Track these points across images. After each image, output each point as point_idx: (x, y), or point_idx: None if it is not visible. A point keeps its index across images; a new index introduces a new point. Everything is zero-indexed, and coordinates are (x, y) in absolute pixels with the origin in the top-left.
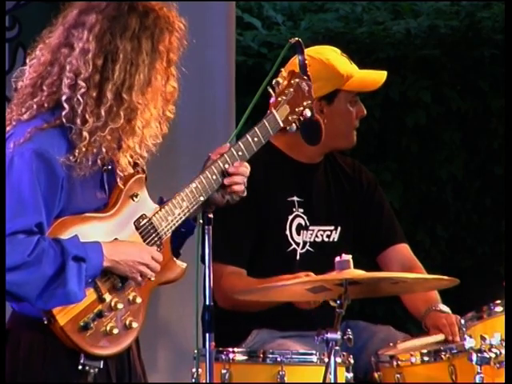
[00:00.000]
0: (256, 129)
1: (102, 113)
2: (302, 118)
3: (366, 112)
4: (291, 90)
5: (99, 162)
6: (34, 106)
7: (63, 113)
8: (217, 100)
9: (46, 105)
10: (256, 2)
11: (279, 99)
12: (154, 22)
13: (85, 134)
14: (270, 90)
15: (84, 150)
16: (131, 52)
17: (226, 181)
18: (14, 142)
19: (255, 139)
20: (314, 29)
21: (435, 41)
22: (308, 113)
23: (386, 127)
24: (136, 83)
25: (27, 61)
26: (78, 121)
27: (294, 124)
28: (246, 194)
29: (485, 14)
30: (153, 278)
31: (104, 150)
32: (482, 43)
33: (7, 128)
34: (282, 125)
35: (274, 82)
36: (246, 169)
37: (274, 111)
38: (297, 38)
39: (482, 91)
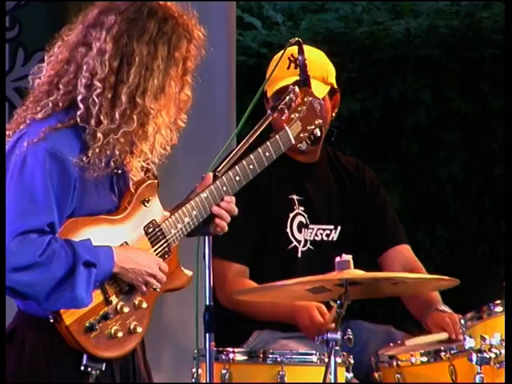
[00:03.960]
0: (268, 144)
1: (116, 115)
2: (312, 137)
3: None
4: (304, 108)
5: (112, 164)
6: (50, 105)
7: (78, 112)
8: (217, 100)
9: (60, 104)
10: (256, 2)
11: (292, 116)
12: (172, 29)
13: (99, 135)
14: (283, 106)
15: (97, 150)
16: (147, 56)
17: (215, 210)
18: (28, 141)
19: (267, 154)
20: (314, 29)
21: (435, 41)
22: (318, 132)
23: (386, 127)
24: (150, 88)
25: (45, 57)
26: (93, 121)
27: (304, 142)
28: (226, 230)
29: (485, 14)
30: (158, 289)
31: (117, 152)
32: (482, 43)
33: (21, 126)
34: (293, 142)
35: (287, 98)
36: (235, 207)
37: (286, 128)
38: (297, 38)
39: (481, 91)
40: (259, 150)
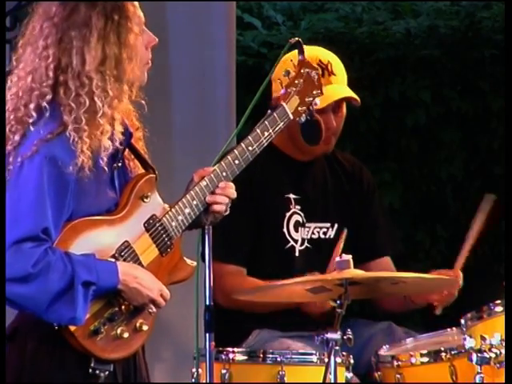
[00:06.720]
0: (266, 122)
1: (72, 103)
2: (311, 108)
3: (333, 124)
4: (301, 80)
5: (88, 151)
6: (34, 112)
7: (48, 96)
8: (217, 100)
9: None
10: (256, 2)
11: (289, 90)
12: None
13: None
14: (280, 80)
15: (80, 140)
16: (78, 36)
17: (208, 199)
18: (22, 155)
19: (265, 133)
20: (313, 29)
21: (435, 41)
22: (318, 102)
23: (386, 127)
24: (87, 61)
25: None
26: (65, 110)
27: (303, 115)
28: (227, 212)
29: (485, 14)
30: (153, 314)
31: (87, 140)
32: (482, 43)
33: (15, 137)
34: (291, 117)
35: (284, 71)
36: (232, 190)
37: (283, 104)
38: (297, 38)
39: (481, 91)
40: (257, 129)
